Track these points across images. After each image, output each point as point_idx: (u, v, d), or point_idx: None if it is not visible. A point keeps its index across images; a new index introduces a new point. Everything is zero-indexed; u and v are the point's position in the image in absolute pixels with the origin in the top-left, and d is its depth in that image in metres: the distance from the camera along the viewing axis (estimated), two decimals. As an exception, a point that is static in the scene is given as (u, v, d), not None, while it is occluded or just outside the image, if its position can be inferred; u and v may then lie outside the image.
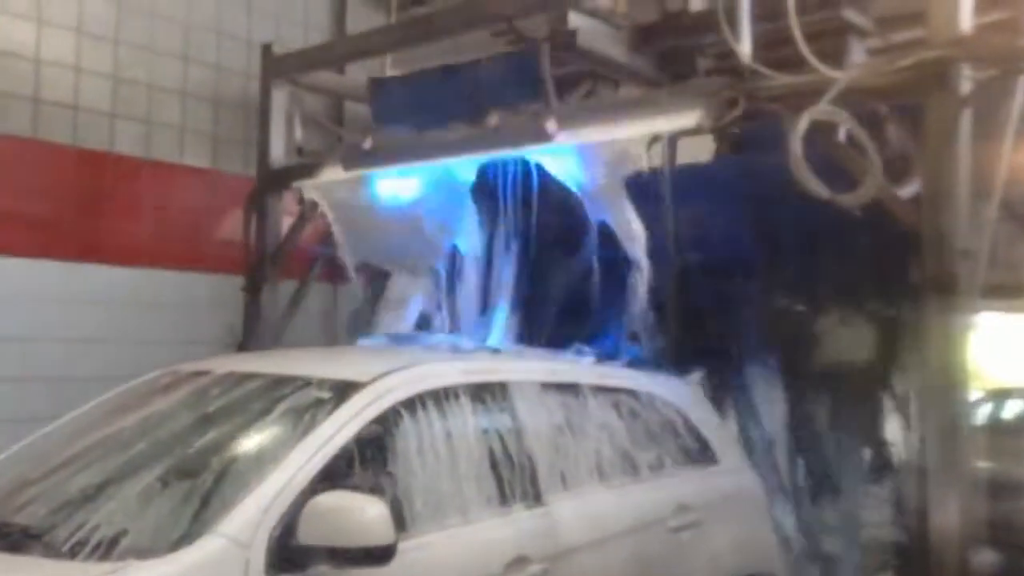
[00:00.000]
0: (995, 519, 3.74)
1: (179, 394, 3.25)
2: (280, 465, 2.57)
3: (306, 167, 5.54)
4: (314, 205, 5.53)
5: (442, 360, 3.53)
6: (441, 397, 3.04)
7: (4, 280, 5.21)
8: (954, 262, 3.52)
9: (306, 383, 3.00)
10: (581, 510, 3.27)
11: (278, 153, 5.87)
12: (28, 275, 5.30)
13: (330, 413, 2.79)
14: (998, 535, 3.85)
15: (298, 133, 5.86)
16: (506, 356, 4.05)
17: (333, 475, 2.62)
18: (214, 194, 6.21)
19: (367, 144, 4.81)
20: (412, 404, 2.95)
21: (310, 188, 5.41)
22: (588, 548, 3.21)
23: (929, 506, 3.54)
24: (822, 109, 3.67)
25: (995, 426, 4.98)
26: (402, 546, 2.61)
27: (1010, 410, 5.15)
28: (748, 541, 3.97)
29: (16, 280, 5.25)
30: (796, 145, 3.63)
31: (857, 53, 4.16)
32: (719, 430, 4.17)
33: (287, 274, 6.00)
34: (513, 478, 3.11)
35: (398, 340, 4.52)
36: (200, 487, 2.59)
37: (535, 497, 3.15)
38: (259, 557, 2.39)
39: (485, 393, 3.22)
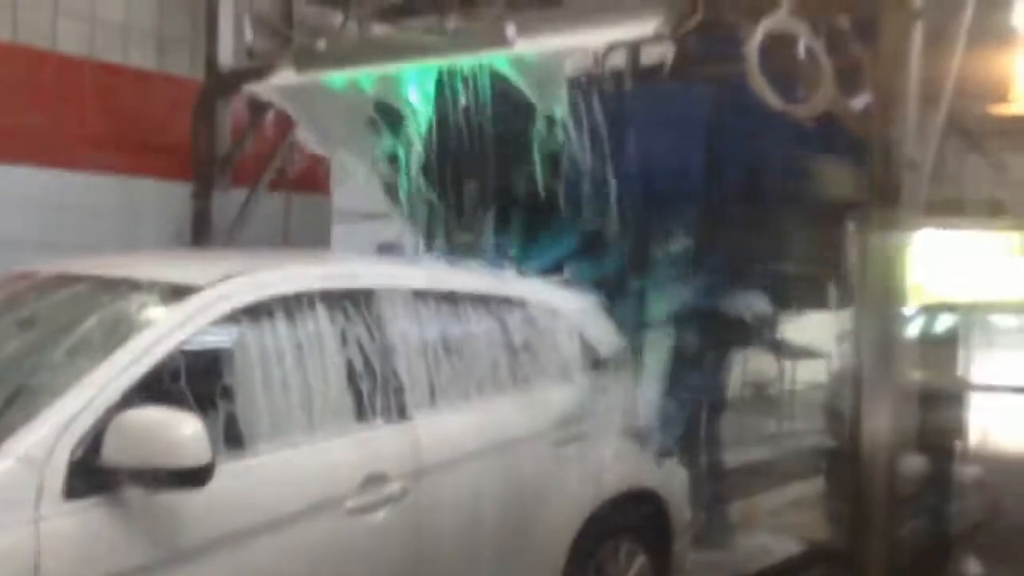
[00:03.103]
0: (924, 427, 3.96)
1: None
2: (86, 377, 2.33)
3: (257, 70, 5.43)
4: (264, 108, 5.44)
5: (297, 264, 3.29)
6: (292, 304, 2.81)
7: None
8: (900, 173, 3.63)
9: (135, 286, 2.76)
10: (450, 425, 3.14)
11: (226, 55, 5.73)
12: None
13: (153, 320, 2.55)
14: (926, 441, 4.08)
15: (248, 34, 5.71)
16: (378, 262, 3.84)
17: (154, 389, 2.39)
18: (159, 96, 6.04)
19: (321, 45, 4.72)
20: (255, 311, 2.72)
21: (264, 89, 5.30)
22: (456, 464, 3.09)
23: (861, 414, 3.70)
24: (779, 19, 3.71)
25: (927, 339, 5.20)
26: (238, 466, 2.49)
27: (942, 324, 5.37)
28: (632, 456, 3.91)
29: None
30: (752, 54, 3.67)
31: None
32: (611, 344, 4.04)
33: (238, 182, 5.92)
34: (374, 392, 2.93)
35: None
36: None
37: (398, 412, 2.99)
38: (56, 479, 2.17)
39: (346, 300, 2.99)
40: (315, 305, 2.88)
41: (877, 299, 3.73)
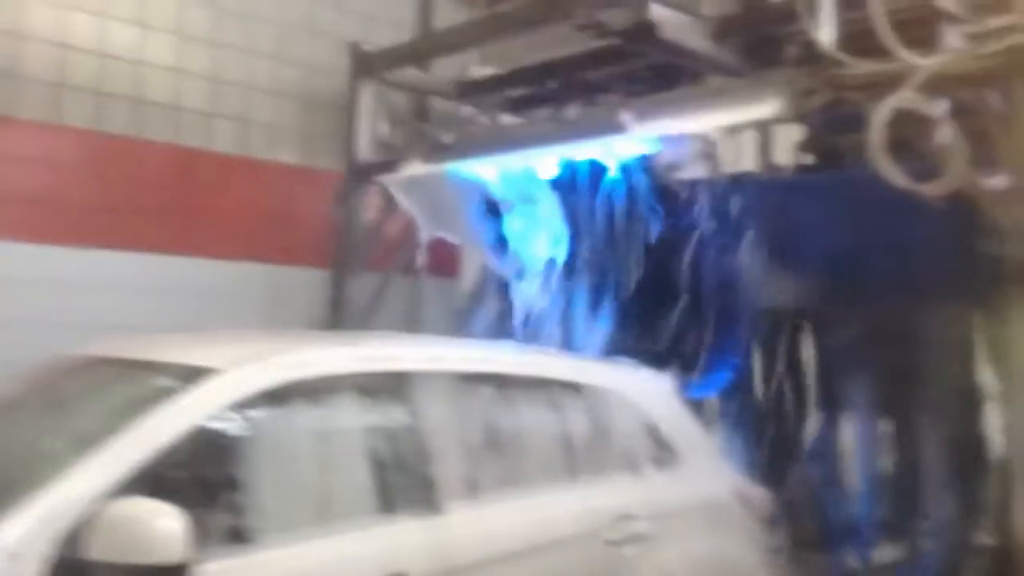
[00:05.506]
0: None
1: (32, 382, 2.96)
2: (78, 465, 2.23)
3: (389, 161, 5.68)
4: (393, 198, 5.68)
5: (327, 346, 3.10)
6: (316, 388, 2.67)
7: (106, 271, 5.49)
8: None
9: (155, 370, 2.65)
10: (488, 521, 2.86)
11: (364, 148, 6.04)
12: (129, 267, 5.59)
13: (157, 405, 2.41)
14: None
15: (384, 129, 6.00)
16: (421, 343, 3.63)
17: (154, 478, 2.25)
18: (303, 189, 6.40)
19: (448, 138, 4.90)
20: (276, 396, 2.57)
21: (391, 182, 5.53)
22: (492, 564, 2.79)
23: (1013, 505, 3.42)
24: (905, 97, 3.57)
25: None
26: (241, 562, 2.33)
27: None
28: (713, 558, 3.43)
29: (116, 271, 5.53)
30: (877, 134, 3.54)
31: (952, 40, 4.01)
32: (689, 432, 3.66)
33: (373, 267, 6.16)
34: (403, 484, 2.72)
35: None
36: None
37: (429, 505, 2.74)
38: (35, 573, 2.07)
39: (378, 384, 2.83)
40: (342, 389, 2.73)
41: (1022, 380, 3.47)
